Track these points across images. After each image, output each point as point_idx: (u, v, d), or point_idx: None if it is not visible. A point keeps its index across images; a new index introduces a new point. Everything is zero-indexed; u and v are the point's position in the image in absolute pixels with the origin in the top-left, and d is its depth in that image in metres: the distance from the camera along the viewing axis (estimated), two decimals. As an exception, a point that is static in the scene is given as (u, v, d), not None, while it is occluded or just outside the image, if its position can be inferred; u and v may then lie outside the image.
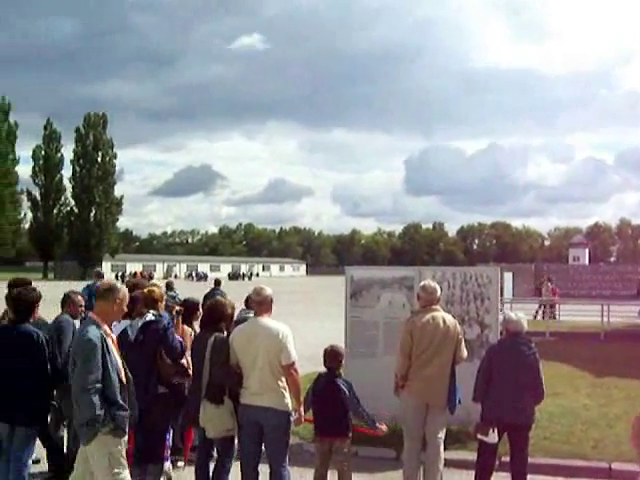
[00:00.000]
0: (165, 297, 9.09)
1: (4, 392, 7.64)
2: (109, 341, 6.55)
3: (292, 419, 7.62)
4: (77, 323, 9.36)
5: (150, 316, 8.42)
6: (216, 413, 7.65)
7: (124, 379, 6.62)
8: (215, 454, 8.20)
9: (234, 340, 7.75)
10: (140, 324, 8.40)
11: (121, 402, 6.48)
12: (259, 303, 7.79)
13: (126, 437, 6.68)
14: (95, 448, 6.41)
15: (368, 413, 8.35)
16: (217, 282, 20.30)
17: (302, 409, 7.76)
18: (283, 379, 7.50)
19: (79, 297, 9.63)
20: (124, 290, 6.86)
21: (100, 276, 17.74)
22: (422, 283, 8.95)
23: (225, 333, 7.97)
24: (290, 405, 7.54)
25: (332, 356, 8.51)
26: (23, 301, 7.97)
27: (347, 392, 8.24)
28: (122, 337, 8.52)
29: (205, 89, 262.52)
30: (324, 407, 8.24)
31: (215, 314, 8.10)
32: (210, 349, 7.80)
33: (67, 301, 9.48)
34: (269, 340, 7.48)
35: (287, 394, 7.52)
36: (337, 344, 8.86)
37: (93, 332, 6.39)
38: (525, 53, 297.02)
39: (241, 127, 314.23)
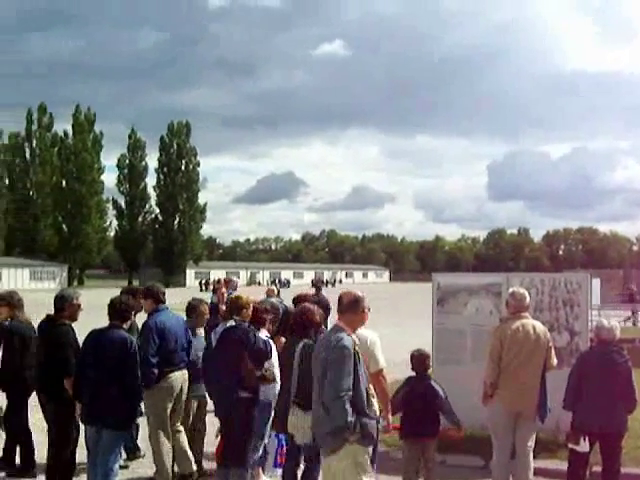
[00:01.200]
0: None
1: (95, 396, 7.78)
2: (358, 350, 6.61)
3: (380, 426, 7.58)
4: (201, 331, 9.69)
5: (231, 322, 8.52)
6: (305, 419, 7.62)
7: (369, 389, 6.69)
8: (303, 460, 8.21)
9: (323, 348, 7.74)
10: (222, 330, 8.54)
11: (367, 411, 6.51)
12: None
13: (371, 447, 6.73)
14: (342, 456, 6.41)
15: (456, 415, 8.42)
16: (318, 288, 20.30)
17: (390, 416, 7.73)
18: (371, 386, 7.47)
19: (205, 307, 9.97)
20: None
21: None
22: (511, 290, 8.86)
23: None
24: (378, 412, 7.51)
25: (420, 360, 8.63)
26: (120, 308, 8.07)
27: (442, 393, 8.38)
28: (206, 343, 8.78)
29: (287, 96, 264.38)
30: (417, 409, 8.25)
31: (304, 321, 8.12)
32: (299, 356, 7.82)
33: (195, 311, 9.75)
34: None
35: (375, 401, 7.49)
36: (423, 348, 8.94)
37: (348, 340, 6.45)
38: (612, 54, 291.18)
39: (323, 134, 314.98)
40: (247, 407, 8.15)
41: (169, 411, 8.98)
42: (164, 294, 9.37)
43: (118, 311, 8.04)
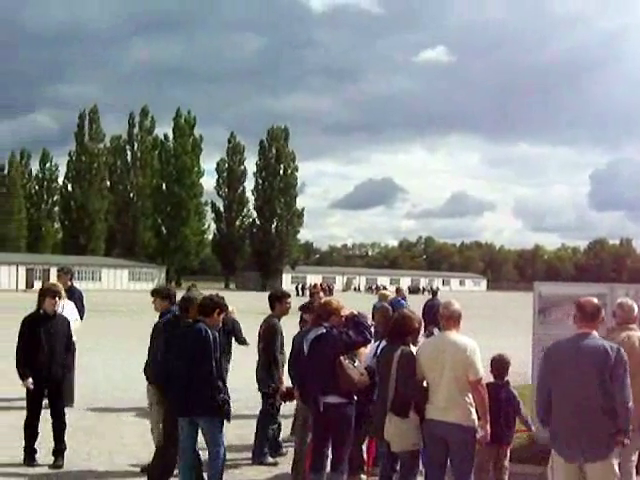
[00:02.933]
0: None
1: (184, 387, 7.98)
2: None
3: (478, 436, 7.41)
4: None
5: (322, 329, 8.43)
6: (402, 427, 7.55)
7: None
8: (399, 468, 8.08)
9: (421, 354, 7.64)
10: (312, 336, 8.47)
11: None
12: (447, 317, 7.60)
13: None
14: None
15: None
16: (434, 293, 20.34)
17: (488, 427, 7.54)
18: (470, 395, 7.32)
19: None
20: None
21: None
22: (619, 300, 8.60)
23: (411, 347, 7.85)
24: (476, 421, 7.34)
25: (501, 364, 8.72)
26: (207, 304, 8.32)
27: (519, 399, 8.61)
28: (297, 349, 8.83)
29: (387, 102, 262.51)
30: (496, 415, 8.02)
31: (402, 327, 7.99)
32: (396, 363, 7.70)
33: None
34: (457, 355, 7.31)
35: (473, 410, 7.33)
36: (504, 353, 8.96)
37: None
38: None
39: (423, 140, 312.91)
40: (343, 413, 8.12)
41: None
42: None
43: (203, 307, 8.29)
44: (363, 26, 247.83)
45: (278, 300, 10.48)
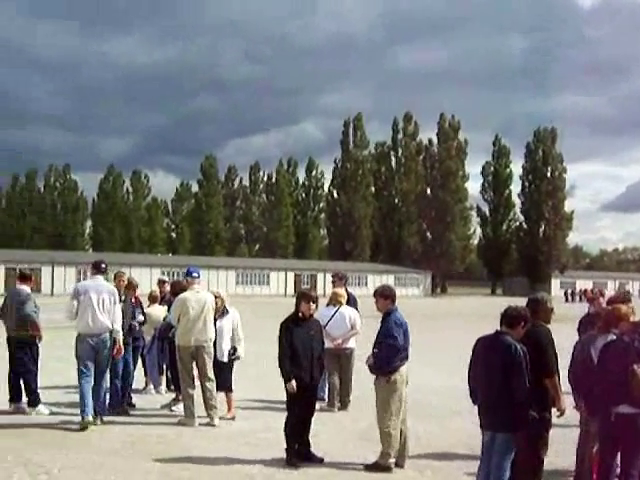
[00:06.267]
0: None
1: (488, 400, 7.79)
2: None
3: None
4: None
5: (611, 336, 8.21)
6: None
7: None
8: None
9: None
10: (601, 344, 8.19)
11: None
12: None
13: None
14: None
15: None
16: None
17: None
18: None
19: None
20: None
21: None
22: None
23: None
24: None
25: None
26: (511, 315, 7.96)
27: None
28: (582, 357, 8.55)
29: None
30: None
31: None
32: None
33: None
34: None
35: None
36: None
37: None
38: None
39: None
40: (636, 423, 7.67)
41: None
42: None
43: (506, 317, 7.95)
44: (631, 20, 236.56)
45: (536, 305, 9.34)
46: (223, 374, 12.31)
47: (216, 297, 12.43)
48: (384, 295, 9.87)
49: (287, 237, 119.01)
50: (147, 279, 57.13)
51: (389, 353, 9.50)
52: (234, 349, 12.49)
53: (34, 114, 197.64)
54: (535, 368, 7.63)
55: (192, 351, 11.90)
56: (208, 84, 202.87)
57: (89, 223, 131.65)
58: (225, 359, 12.42)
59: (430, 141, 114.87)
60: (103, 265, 12.14)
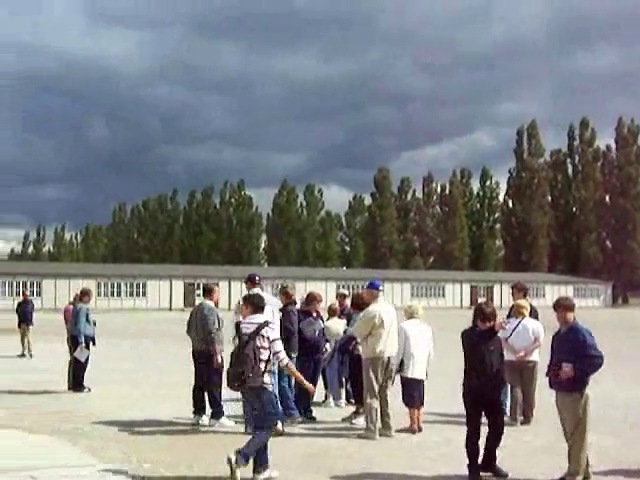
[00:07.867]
0: None
1: None
2: None
3: None
4: None
5: None
6: None
7: None
8: None
9: None
10: None
11: None
12: None
13: None
14: None
15: None
16: None
17: None
18: None
19: None
20: None
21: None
22: None
23: None
24: None
25: None
26: None
27: None
28: None
29: None
30: None
31: None
32: None
33: None
34: None
35: None
36: None
37: None
38: None
39: None
40: None
41: None
42: None
43: None
44: None
45: None
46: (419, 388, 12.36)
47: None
48: (569, 307, 9.64)
49: (462, 248, 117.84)
50: (322, 293, 57.62)
51: (594, 366, 9.21)
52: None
53: (209, 132, 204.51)
54: None
55: (383, 362, 11.98)
56: (380, 96, 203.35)
57: (264, 238, 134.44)
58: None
59: (608, 147, 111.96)
60: (257, 278, 12.69)
